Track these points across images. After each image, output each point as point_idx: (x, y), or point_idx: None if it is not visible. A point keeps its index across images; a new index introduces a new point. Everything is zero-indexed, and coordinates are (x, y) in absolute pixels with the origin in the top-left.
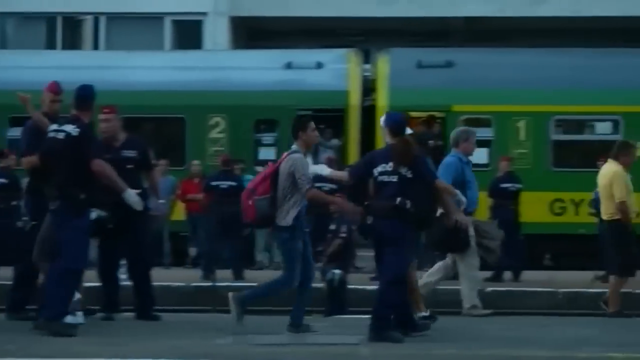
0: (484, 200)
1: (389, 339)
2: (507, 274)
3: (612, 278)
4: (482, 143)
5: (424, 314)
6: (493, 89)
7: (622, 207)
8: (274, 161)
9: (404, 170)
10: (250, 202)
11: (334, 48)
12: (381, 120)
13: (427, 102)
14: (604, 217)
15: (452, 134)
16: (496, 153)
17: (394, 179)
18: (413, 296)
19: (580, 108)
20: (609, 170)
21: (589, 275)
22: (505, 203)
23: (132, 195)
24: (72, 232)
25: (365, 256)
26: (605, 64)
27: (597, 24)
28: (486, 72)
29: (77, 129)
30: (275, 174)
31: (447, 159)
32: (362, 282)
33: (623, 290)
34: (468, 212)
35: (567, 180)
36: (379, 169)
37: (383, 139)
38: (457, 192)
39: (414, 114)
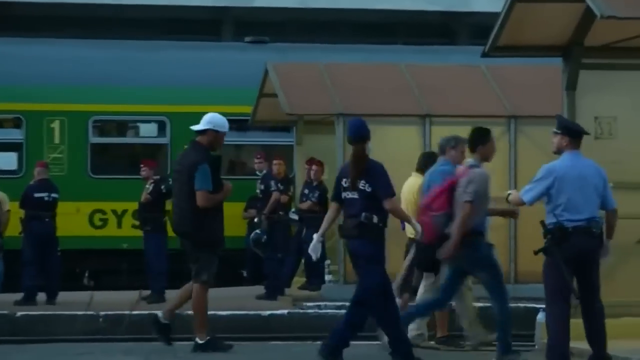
0: (16, 212)
1: None
2: (41, 296)
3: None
4: (10, 146)
5: None
6: (23, 85)
7: None
8: None
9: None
10: (426, 219)
11: None
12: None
13: None
14: (409, 234)
15: (440, 141)
16: (28, 157)
17: (355, 194)
18: None
19: (122, 107)
20: (414, 184)
21: (134, 295)
22: (40, 214)
23: None
24: None
25: None
26: (150, 59)
27: (142, 13)
28: (15, 65)
29: None
30: (452, 188)
31: (443, 168)
32: None
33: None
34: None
35: (108, 189)
36: (343, 184)
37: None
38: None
39: None
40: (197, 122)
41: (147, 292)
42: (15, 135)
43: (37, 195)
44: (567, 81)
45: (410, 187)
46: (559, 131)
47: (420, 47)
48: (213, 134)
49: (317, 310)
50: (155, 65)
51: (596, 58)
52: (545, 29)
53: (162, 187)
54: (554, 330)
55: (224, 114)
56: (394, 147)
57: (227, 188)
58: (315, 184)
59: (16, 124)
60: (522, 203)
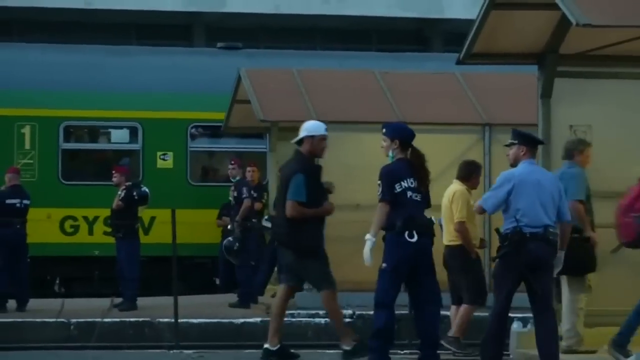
0: None
1: None
2: (12, 303)
3: (463, 307)
4: None
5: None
6: None
7: (461, 227)
8: None
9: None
10: (627, 220)
11: None
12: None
13: None
14: (446, 242)
15: (566, 144)
16: None
17: (419, 197)
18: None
19: (93, 113)
20: (450, 190)
21: (105, 302)
22: (12, 221)
23: None
24: None
25: None
26: (122, 64)
27: (114, 18)
28: None
29: None
30: None
31: (572, 170)
32: None
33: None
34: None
35: (80, 195)
36: (405, 184)
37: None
38: None
39: None
40: (170, 128)
41: (118, 300)
42: None
43: (8, 201)
44: (542, 89)
45: (445, 194)
46: (515, 141)
47: (394, 53)
48: (309, 140)
49: (290, 319)
50: (127, 70)
51: (571, 66)
52: (520, 37)
53: (134, 193)
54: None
55: (196, 120)
56: (369, 154)
57: (326, 208)
58: None
59: None
60: (484, 211)
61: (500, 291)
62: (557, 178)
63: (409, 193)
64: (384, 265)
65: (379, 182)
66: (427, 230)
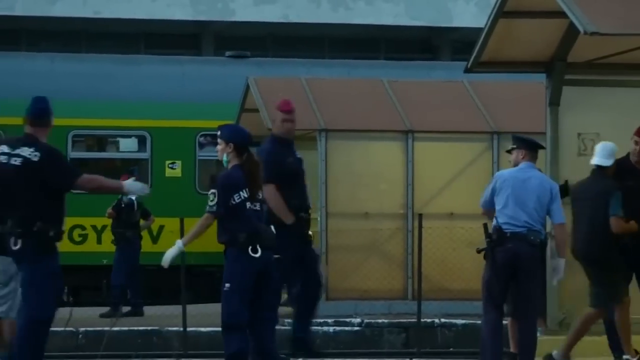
0: None
1: None
2: None
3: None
4: None
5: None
6: (1, 99)
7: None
8: None
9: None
10: None
11: None
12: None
13: None
14: None
15: None
16: None
17: (258, 206)
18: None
19: (102, 122)
20: None
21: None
22: None
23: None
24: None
25: None
26: (131, 73)
27: (123, 27)
28: None
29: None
30: None
31: None
32: None
33: None
34: None
35: (88, 204)
36: (243, 194)
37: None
38: None
39: None
40: (178, 137)
41: (127, 308)
42: None
43: None
44: (550, 97)
45: None
46: (514, 146)
47: (402, 62)
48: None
49: None
50: (135, 79)
51: (579, 74)
52: (528, 45)
53: (122, 201)
54: (484, 337)
55: (204, 129)
56: (377, 162)
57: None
58: None
59: None
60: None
61: (489, 297)
62: (549, 180)
63: (248, 204)
64: (227, 285)
65: (214, 191)
66: (272, 243)
